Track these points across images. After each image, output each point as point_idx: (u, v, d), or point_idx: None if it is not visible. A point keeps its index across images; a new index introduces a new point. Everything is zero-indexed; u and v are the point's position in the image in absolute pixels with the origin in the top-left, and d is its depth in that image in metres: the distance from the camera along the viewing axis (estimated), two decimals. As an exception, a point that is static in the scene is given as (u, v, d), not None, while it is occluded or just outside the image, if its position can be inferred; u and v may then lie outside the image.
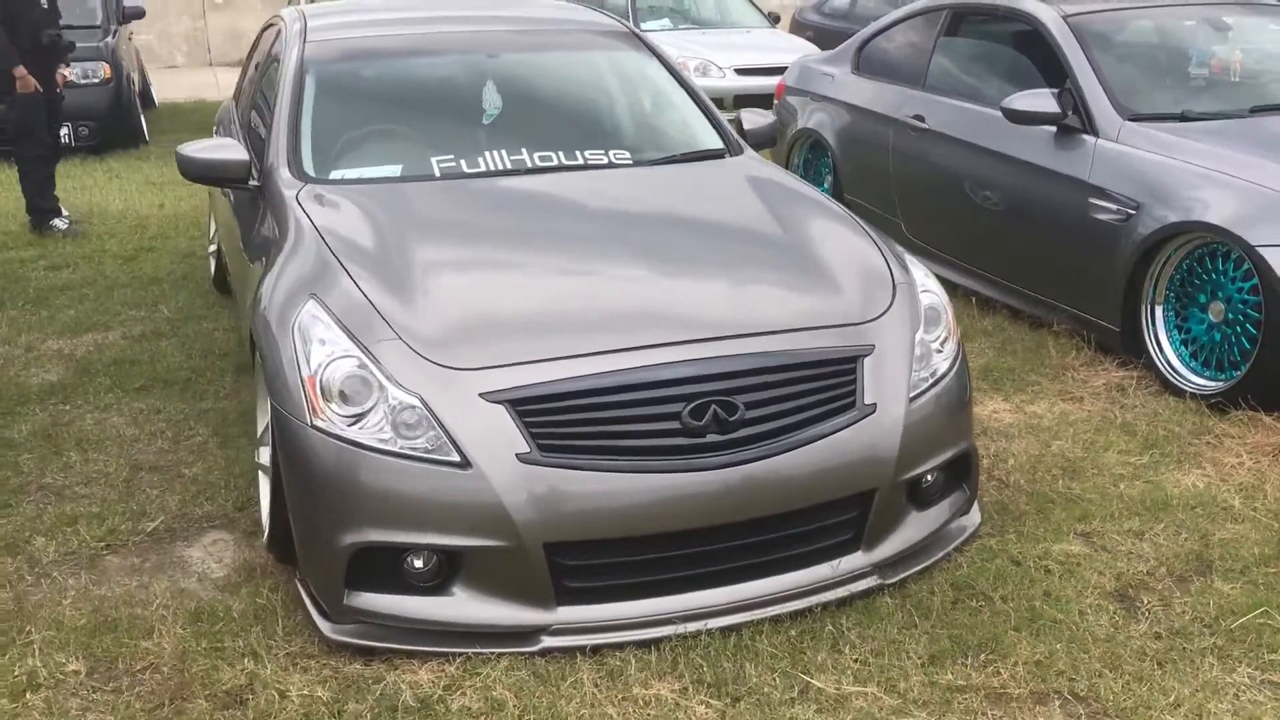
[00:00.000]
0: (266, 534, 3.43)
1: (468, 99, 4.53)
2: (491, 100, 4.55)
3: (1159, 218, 4.65)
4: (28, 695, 2.91)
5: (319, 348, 3.09)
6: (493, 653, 2.97)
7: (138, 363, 5.19)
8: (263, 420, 3.69)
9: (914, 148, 6.18)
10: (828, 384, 3.17)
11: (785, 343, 3.18)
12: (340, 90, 4.43)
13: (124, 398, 4.82)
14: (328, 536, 3.00)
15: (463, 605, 3.01)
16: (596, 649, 2.98)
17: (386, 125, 4.43)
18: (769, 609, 3.10)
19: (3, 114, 7.47)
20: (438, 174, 4.05)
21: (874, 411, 3.17)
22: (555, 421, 2.96)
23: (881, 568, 3.26)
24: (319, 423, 3.00)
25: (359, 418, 2.99)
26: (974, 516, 3.58)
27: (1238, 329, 4.44)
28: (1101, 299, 4.97)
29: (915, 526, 3.35)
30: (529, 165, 4.11)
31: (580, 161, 4.16)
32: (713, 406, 3.00)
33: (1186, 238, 4.58)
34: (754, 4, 14.33)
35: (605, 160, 4.20)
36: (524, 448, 2.92)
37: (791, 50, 12.69)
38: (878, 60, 6.87)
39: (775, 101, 7.76)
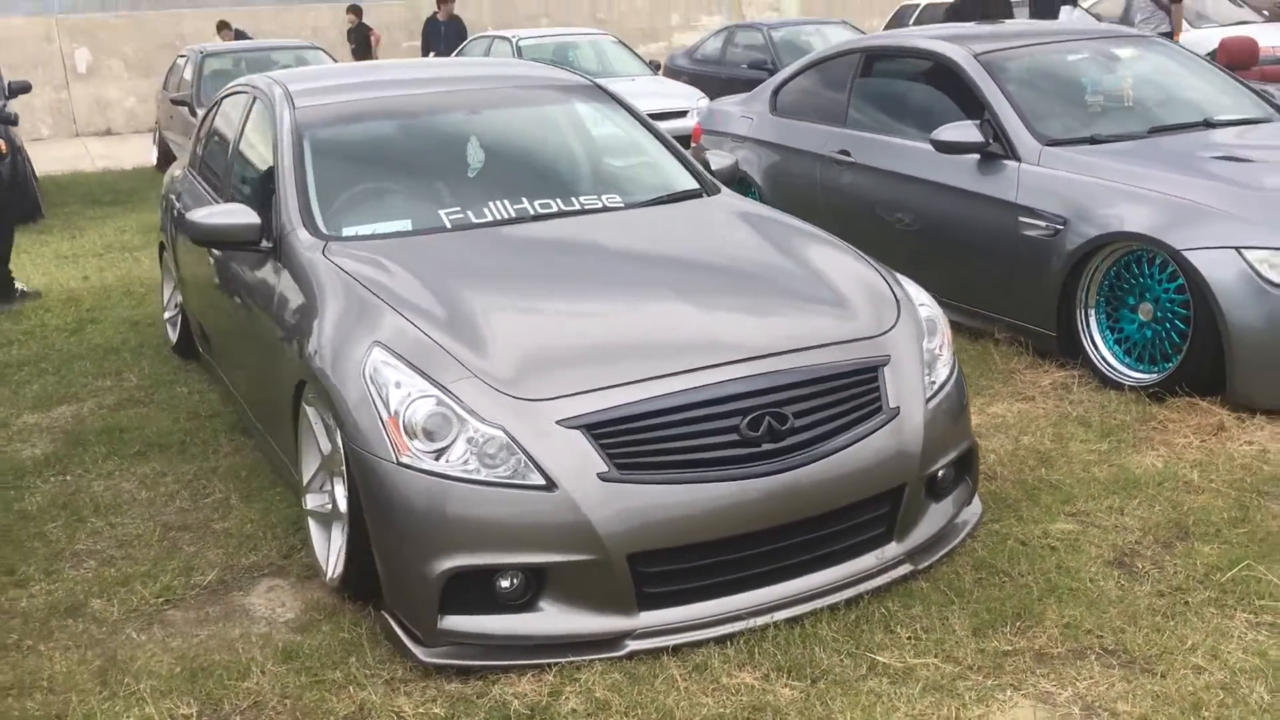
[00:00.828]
0: (338, 574, 3.60)
1: (456, 155, 4.78)
2: (476, 155, 4.81)
3: (1087, 231, 5.15)
4: (147, 740, 3.04)
5: (395, 390, 3.30)
6: (583, 660, 3.21)
7: (126, 430, 5.26)
8: (310, 469, 3.86)
9: (840, 180, 6.63)
10: (857, 392, 3.51)
11: (817, 357, 3.51)
12: (336, 152, 4.63)
13: (124, 464, 4.90)
14: (419, 565, 3.20)
15: (551, 619, 3.25)
16: (678, 648, 3.25)
17: (383, 184, 4.64)
18: (824, 599, 3.41)
19: None
20: (448, 225, 4.29)
21: (898, 414, 3.53)
22: (628, 441, 3.23)
23: (912, 555, 3.60)
24: (405, 459, 3.21)
25: (441, 452, 3.22)
26: (976, 506, 3.95)
27: (1167, 325, 4.96)
28: (1037, 308, 5.45)
29: (934, 517, 3.71)
30: (532, 213, 4.38)
31: (577, 207, 4.46)
32: (766, 418, 3.31)
33: (1114, 247, 5.08)
34: (635, 53, 14.83)
35: (600, 204, 4.50)
36: (602, 467, 3.18)
37: (680, 95, 13.24)
38: (795, 102, 7.33)
39: (693, 144, 8.16)
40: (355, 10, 17.77)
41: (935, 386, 3.70)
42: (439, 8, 16.52)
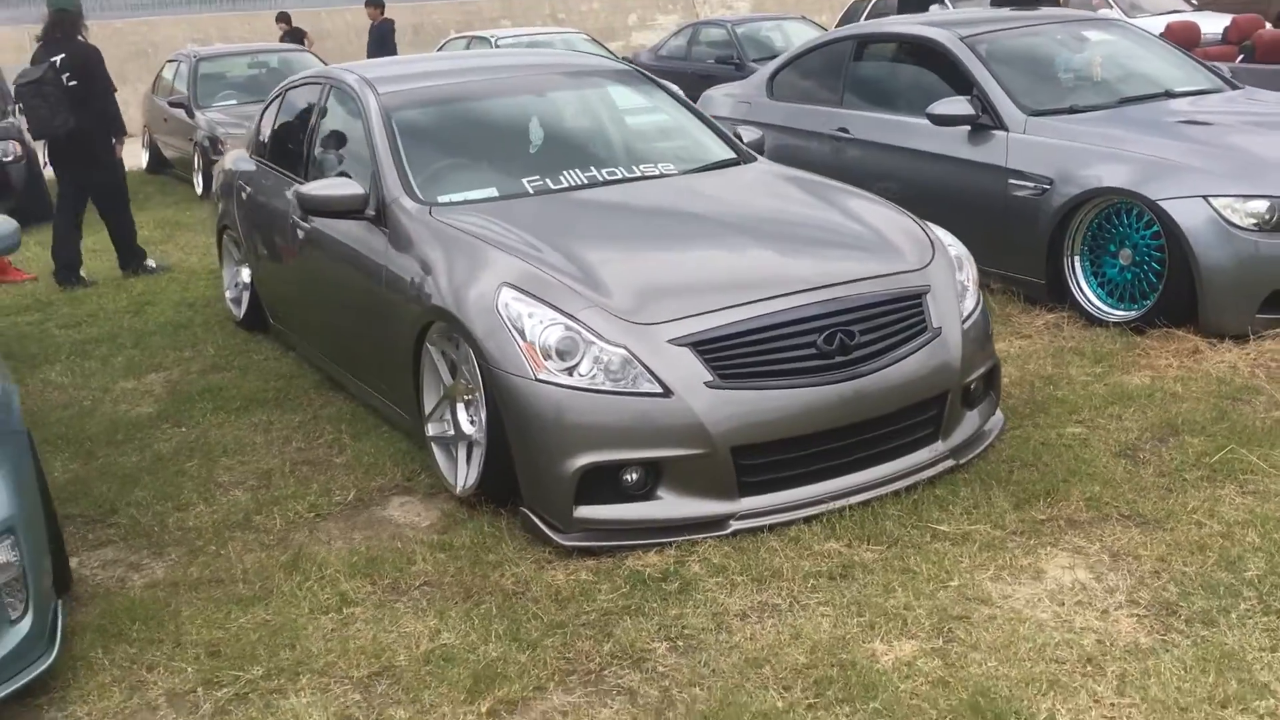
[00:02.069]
0: (471, 484, 4.20)
1: (524, 131, 5.43)
2: (541, 131, 5.46)
3: (1071, 189, 5.88)
4: (345, 610, 3.65)
5: (529, 320, 3.93)
6: (697, 539, 3.87)
7: (223, 389, 5.83)
8: (432, 401, 4.47)
9: (840, 155, 7.33)
10: (907, 315, 4.20)
11: (873, 286, 4.19)
12: (419, 132, 5.23)
13: (231, 416, 5.47)
14: (556, 464, 3.84)
15: (668, 505, 3.90)
16: (773, 527, 3.91)
17: (463, 158, 5.26)
18: (888, 487, 4.09)
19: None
20: (530, 191, 4.92)
21: (940, 334, 4.22)
22: (728, 355, 3.89)
23: (955, 452, 4.29)
24: (542, 376, 3.85)
25: (572, 369, 3.86)
26: (1000, 416, 4.66)
27: (1145, 267, 5.70)
28: (1027, 259, 6.18)
29: (970, 421, 4.41)
30: (601, 179, 5.02)
31: (639, 174, 5.11)
32: (838, 335, 3.98)
33: (1096, 201, 5.82)
34: (606, 48, 15.49)
35: (657, 172, 5.16)
36: (708, 377, 3.84)
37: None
38: (791, 86, 8.03)
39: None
40: (284, 18, 18.26)
41: (967, 312, 4.39)
42: (368, 11, 17.12)
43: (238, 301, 6.98)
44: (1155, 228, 5.60)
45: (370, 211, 4.91)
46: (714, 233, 4.58)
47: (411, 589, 3.76)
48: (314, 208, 4.94)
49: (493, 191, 4.97)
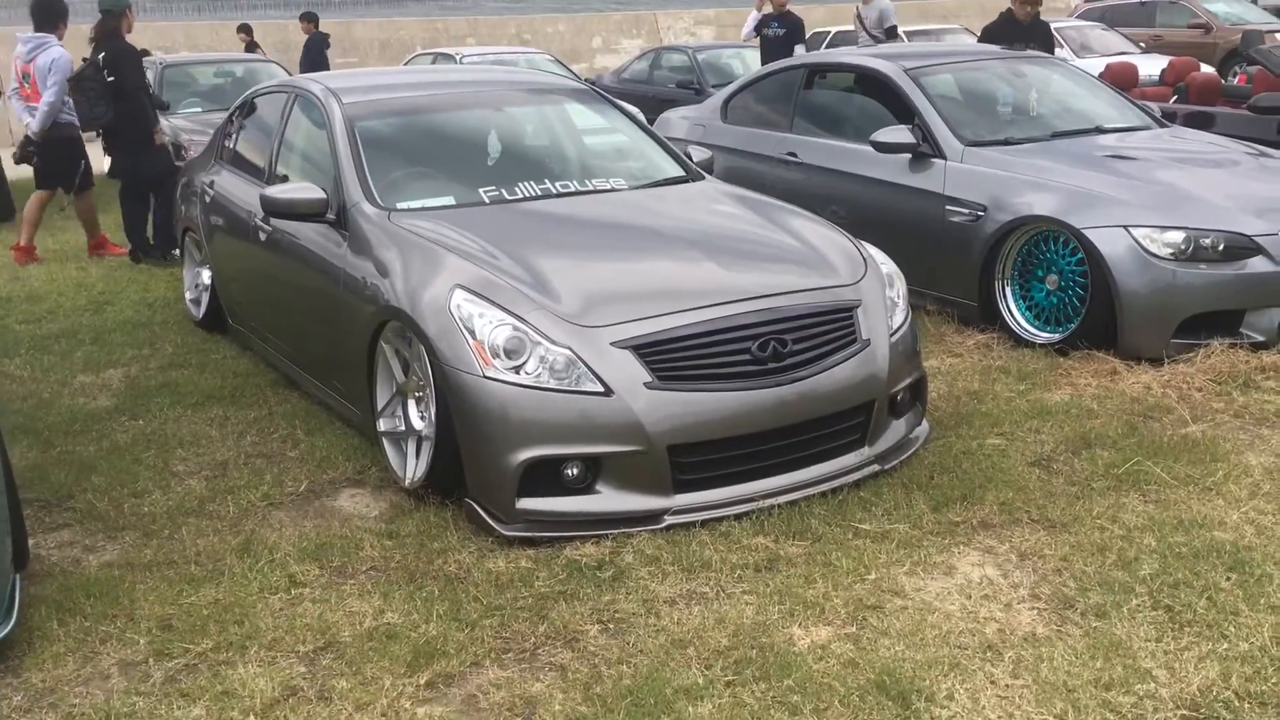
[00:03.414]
0: (419, 476, 4.40)
1: (482, 144, 5.66)
2: (498, 145, 5.69)
3: (1003, 216, 6.18)
4: (293, 590, 3.83)
5: (479, 320, 4.15)
6: (633, 531, 4.08)
7: (180, 385, 5.99)
8: (384, 397, 4.68)
9: (788, 178, 7.61)
10: (838, 327, 4.45)
11: (807, 299, 4.44)
12: (380, 141, 5.44)
13: (188, 411, 5.64)
14: (502, 457, 4.05)
15: (606, 499, 4.12)
16: (705, 522, 4.13)
17: (422, 168, 5.48)
18: (815, 488, 4.32)
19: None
20: (486, 201, 5.14)
21: (869, 345, 4.48)
22: (667, 358, 4.13)
23: (880, 458, 4.54)
24: (490, 373, 4.06)
25: (518, 368, 4.07)
26: (925, 426, 4.91)
27: (1069, 293, 6.00)
28: (960, 282, 6.47)
29: (896, 429, 4.66)
30: (555, 192, 5.25)
31: (591, 188, 5.35)
32: (771, 343, 4.23)
33: (1026, 229, 6.12)
34: (569, 69, 15.76)
35: (609, 186, 5.40)
36: (648, 378, 4.07)
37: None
38: (744, 111, 8.31)
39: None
40: (246, 29, 18.53)
41: (896, 326, 4.65)
42: (302, 26, 17.59)
43: (197, 302, 7.14)
44: (1080, 255, 5.90)
45: (331, 215, 5.11)
46: (659, 244, 4.82)
47: (358, 573, 3.95)
48: (277, 210, 5.13)
49: (450, 200, 5.19)
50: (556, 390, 4.04)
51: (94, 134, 9.19)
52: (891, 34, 12.93)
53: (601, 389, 4.04)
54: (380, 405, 4.70)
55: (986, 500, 4.31)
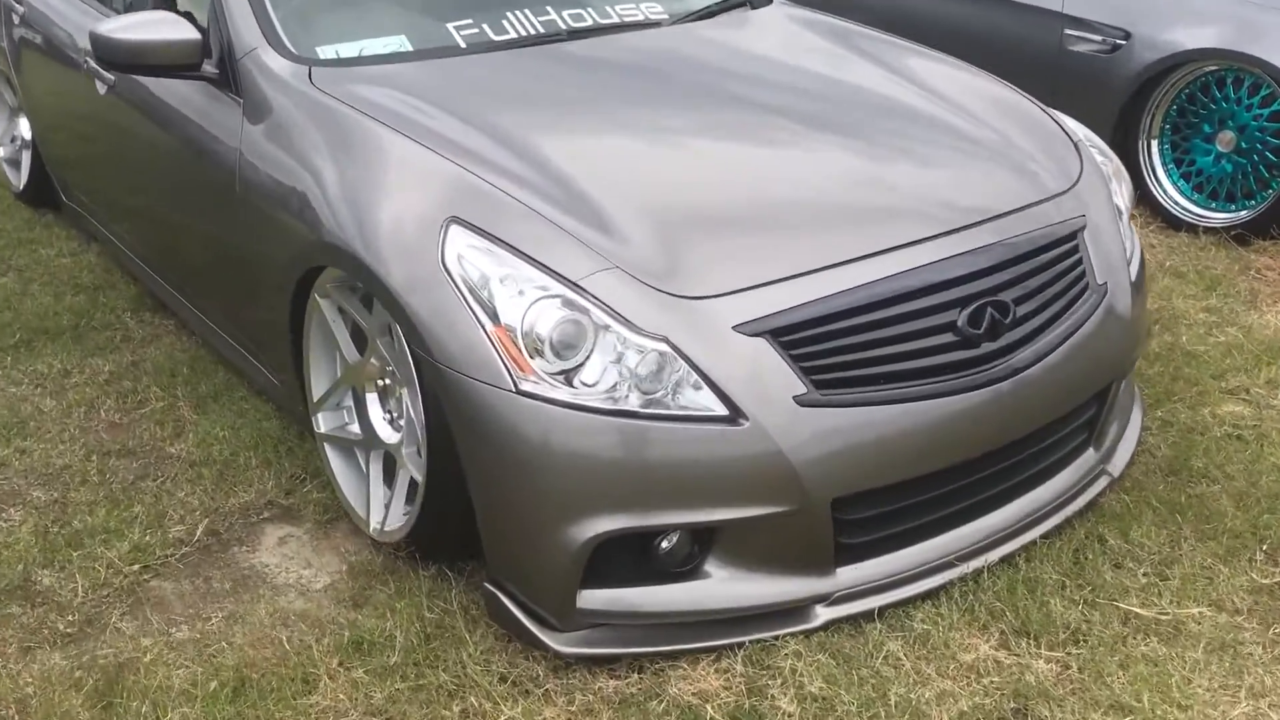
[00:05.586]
0: (403, 529, 2.67)
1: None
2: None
3: (1156, 47, 4.45)
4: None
5: (502, 288, 2.35)
6: (766, 638, 2.44)
7: (-7, 311, 4.05)
8: (323, 382, 2.89)
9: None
10: (1064, 268, 2.75)
11: (1018, 225, 2.72)
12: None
13: (6, 360, 3.74)
14: (554, 530, 2.33)
15: (720, 587, 2.45)
16: (884, 610, 2.51)
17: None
18: (1032, 531, 2.72)
19: None
20: (463, 44, 3.23)
21: (1107, 292, 2.80)
22: (827, 350, 2.40)
23: (1105, 461, 2.94)
24: (529, 385, 2.29)
25: (572, 374, 2.31)
26: (1137, 393, 3.30)
27: (1254, 157, 4.36)
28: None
29: (1119, 412, 3.05)
30: (564, 27, 3.35)
31: (615, 19, 3.45)
32: (988, 309, 2.52)
33: (1192, 66, 4.41)
34: None
35: (640, 16, 3.50)
36: (800, 388, 2.35)
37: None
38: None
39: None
40: None
41: (1131, 252, 2.98)
42: None
43: (15, 164, 5.07)
44: (1278, 103, 4.25)
45: (210, 68, 3.16)
46: (763, 127, 2.98)
47: (314, 753, 2.26)
48: (117, 59, 3.14)
49: (402, 41, 3.26)
50: (645, 416, 2.30)
51: None
52: None
53: (724, 410, 2.31)
54: (318, 395, 2.91)
55: (1290, 538, 2.77)
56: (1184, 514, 2.85)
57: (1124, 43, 4.55)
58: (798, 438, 2.33)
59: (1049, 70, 4.76)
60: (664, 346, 2.30)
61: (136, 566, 2.75)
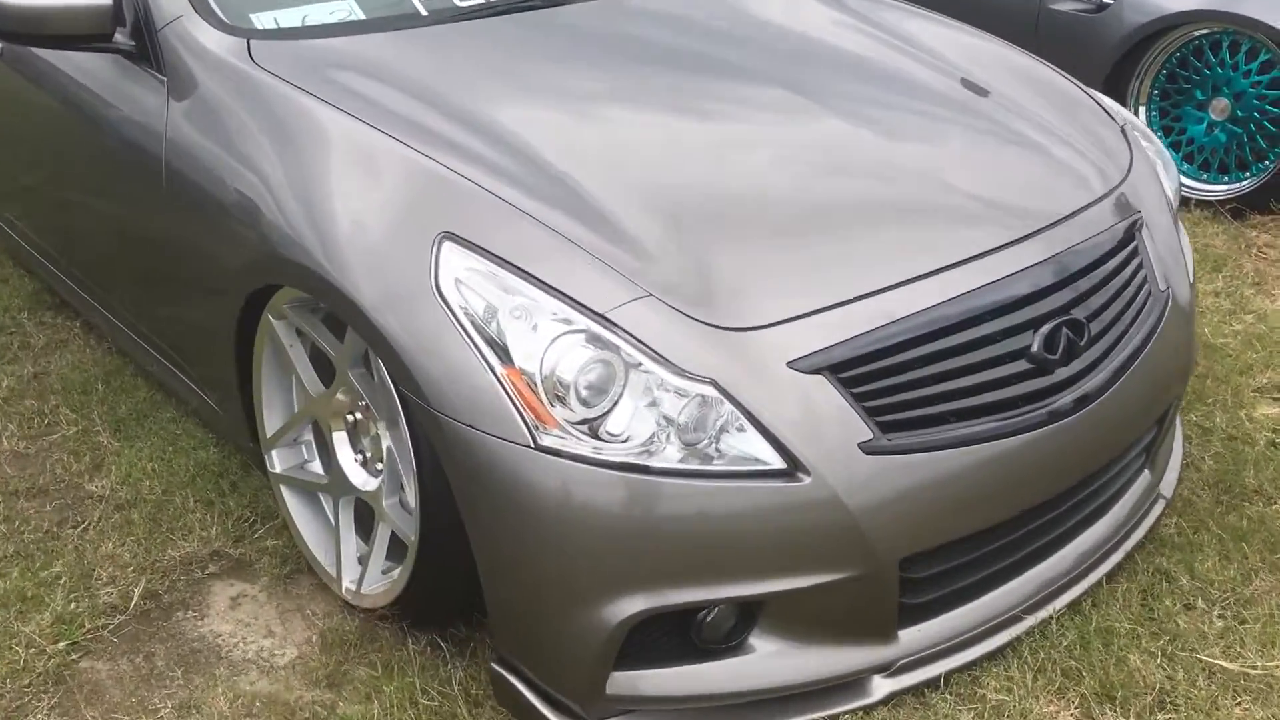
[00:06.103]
0: (377, 591, 2.28)
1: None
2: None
3: (1145, 10, 4.17)
4: None
5: (515, 323, 1.95)
6: (820, 718, 2.12)
7: None
8: (277, 417, 2.46)
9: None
10: (1127, 275, 2.44)
11: (1080, 229, 2.39)
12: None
13: (-116, 374, 3.22)
14: (580, 608, 1.96)
15: (767, 663, 2.10)
16: (948, 678, 2.20)
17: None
18: (1099, 570, 2.43)
19: None
20: (423, 12, 2.78)
21: (1170, 300, 2.50)
22: (892, 387, 2.05)
23: (1157, 484, 2.66)
24: (551, 440, 1.91)
25: (597, 425, 1.93)
26: (1171, 397, 3.04)
27: (1250, 127, 4.12)
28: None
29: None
30: (538, -12, 2.92)
31: (597, -22, 3.02)
32: (1063, 330, 2.20)
33: (1183, 29, 4.14)
34: None
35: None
36: (865, 433, 2.00)
37: None
38: None
39: None
40: None
41: (1184, 250, 2.69)
42: None
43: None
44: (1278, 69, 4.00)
45: (124, 40, 2.67)
46: (793, 113, 2.57)
47: None
48: (10, 27, 2.63)
49: (351, 8, 2.80)
50: (690, 474, 1.93)
51: None
52: None
53: (781, 463, 1.95)
54: (271, 429, 2.48)
55: (1367, 566, 2.52)
56: (1249, 541, 2.59)
57: (1110, 1, 4.26)
58: (865, 492, 1.98)
59: (1029, 31, 4.45)
60: (710, 390, 1.93)
61: (62, 644, 2.31)
